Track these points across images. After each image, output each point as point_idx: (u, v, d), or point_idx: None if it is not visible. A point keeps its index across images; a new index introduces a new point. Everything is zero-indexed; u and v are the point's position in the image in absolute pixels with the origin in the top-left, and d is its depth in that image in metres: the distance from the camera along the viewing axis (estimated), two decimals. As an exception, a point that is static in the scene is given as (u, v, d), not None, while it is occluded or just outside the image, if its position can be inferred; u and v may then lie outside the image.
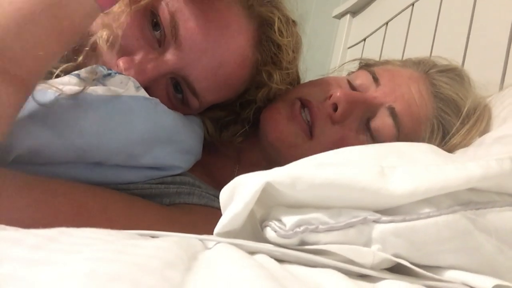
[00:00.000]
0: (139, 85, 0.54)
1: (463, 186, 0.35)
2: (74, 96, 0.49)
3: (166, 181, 0.58)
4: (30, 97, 0.48)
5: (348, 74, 0.73)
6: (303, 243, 0.35)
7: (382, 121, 0.64)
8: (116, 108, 0.51)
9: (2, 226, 0.31)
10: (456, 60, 0.77)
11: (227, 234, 0.37)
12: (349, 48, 1.44)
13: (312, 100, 0.65)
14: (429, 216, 0.34)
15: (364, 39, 1.37)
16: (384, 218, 0.35)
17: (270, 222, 0.36)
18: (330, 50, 1.51)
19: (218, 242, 0.35)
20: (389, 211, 0.35)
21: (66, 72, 0.52)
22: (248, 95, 0.70)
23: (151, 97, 0.55)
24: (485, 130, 0.64)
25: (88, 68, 0.52)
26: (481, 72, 0.77)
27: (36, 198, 0.46)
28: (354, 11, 1.47)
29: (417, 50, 1.00)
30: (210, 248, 0.35)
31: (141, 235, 0.35)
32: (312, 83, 0.71)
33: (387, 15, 1.28)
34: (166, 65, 0.57)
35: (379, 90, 0.66)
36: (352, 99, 0.63)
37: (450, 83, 0.68)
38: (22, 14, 0.42)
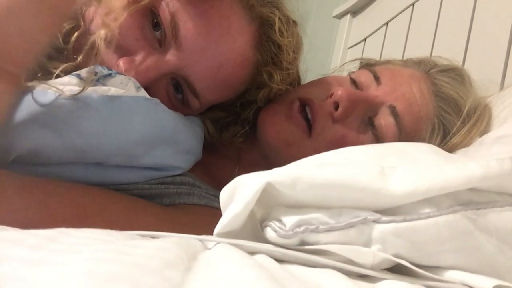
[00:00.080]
0: (139, 85, 0.54)
1: (464, 186, 0.35)
2: (74, 97, 0.49)
3: (166, 181, 0.58)
4: (30, 97, 0.48)
5: (349, 74, 0.73)
6: (303, 243, 0.35)
7: (384, 120, 0.64)
8: (116, 109, 0.51)
9: (2, 226, 0.31)
10: (457, 60, 0.77)
11: (227, 234, 0.37)
12: (349, 48, 1.44)
13: (313, 98, 0.65)
14: (429, 216, 0.34)
15: (365, 39, 1.37)
16: (385, 218, 0.35)
17: (270, 222, 0.36)
18: (330, 50, 1.51)
19: (218, 243, 0.35)
20: (389, 211, 0.35)
21: (66, 72, 0.52)
22: (249, 96, 0.70)
23: (151, 98, 0.55)
24: (486, 130, 0.64)
25: (88, 68, 0.52)
26: (482, 72, 0.77)
27: (36, 199, 0.46)
28: (354, 11, 1.47)
29: (418, 50, 1.00)
30: (210, 249, 0.35)
31: (141, 235, 0.35)
32: (312, 83, 0.72)
33: (387, 15, 1.28)
34: (166, 65, 0.57)
35: (380, 89, 0.66)
36: (353, 98, 0.63)
37: (451, 82, 0.68)
38: (5, 7, 0.42)
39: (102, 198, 0.51)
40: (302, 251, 0.34)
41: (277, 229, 0.35)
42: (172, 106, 0.60)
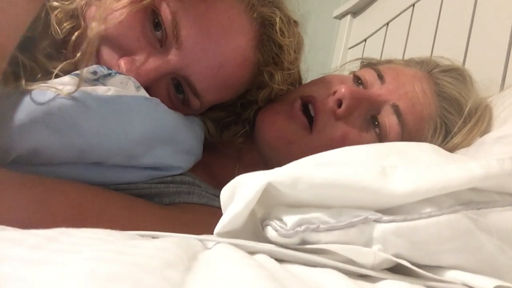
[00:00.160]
0: (139, 85, 0.54)
1: (464, 185, 0.35)
2: (74, 96, 0.49)
3: (166, 180, 0.58)
4: (29, 98, 0.48)
5: (352, 73, 0.73)
6: (304, 242, 0.35)
7: (387, 118, 0.64)
8: (116, 108, 0.51)
9: (2, 226, 0.31)
10: (457, 61, 0.77)
11: (227, 234, 0.37)
12: (349, 48, 1.44)
13: (316, 96, 0.65)
14: (430, 216, 0.34)
15: (365, 40, 1.37)
16: (385, 217, 0.34)
17: (271, 222, 0.36)
18: (330, 51, 1.51)
19: (218, 242, 0.35)
20: (390, 211, 0.35)
21: (66, 71, 0.52)
22: (250, 96, 0.70)
23: (151, 97, 0.55)
24: (486, 130, 0.64)
25: (88, 68, 0.52)
26: (482, 72, 0.77)
27: (36, 198, 0.46)
28: (354, 12, 1.47)
29: (418, 51, 1.00)
30: (210, 248, 0.35)
31: (142, 235, 0.35)
32: (314, 82, 0.72)
33: (387, 15, 1.28)
34: (167, 65, 0.57)
35: (384, 87, 0.66)
36: (356, 95, 0.63)
37: (453, 82, 0.68)
38: None
39: (102, 198, 0.51)
40: (303, 250, 0.34)
41: (278, 228, 0.35)
42: (173, 106, 0.60)
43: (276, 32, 0.63)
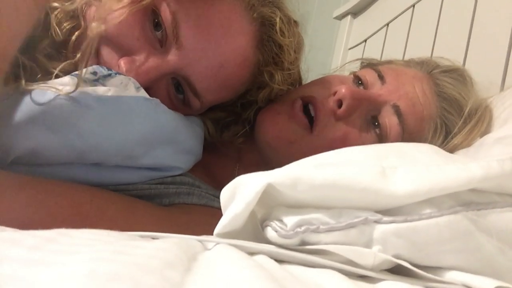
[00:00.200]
0: (139, 85, 0.54)
1: (464, 186, 0.35)
2: (74, 97, 0.49)
3: (166, 181, 0.58)
4: (29, 98, 0.48)
5: (352, 73, 0.73)
6: (304, 243, 0.35)
7: (388, 119, 0.64)
8: (116, 109, 0.51)
9: (2, 227, 0.31)
10: (457, 61, 0.77)
11: (227, 235, 0.37)
12: (350, 49, 1.44)
13: (316, 96, 0.65)
14: (430, 217, 0.34)
15: (365, 40, 1.37)
16: (385, 218, 0.34)
17: (271, 222, 0.36)
18: (330, 52, 1.51)
19: (218, 243, 0.35)
20: (390, 212, 0.35)
21: (66, 71, 0.52)
22: (250, 96, 0.70)
23: (151, 98, 0.55)
24: (486, 131, 0.64)
25: (88, 68, 0.52)
26: (482, 73, 0.77)
27: (35, 199, 0.46)
28: (355, 12, 1.47)
29: (418, 51, 1.00)
30: (209, 249, 0.35)
31: (141, 236, 0.35)
32: (314, 82, 0.72)
33: (388, 16, 1.28)
34: (167, 65, 0.57)
35: (384, 88, 0.66)
36: (357, 96, 0.63)
37: (453, 83, 0.68)
38: None
39: (101, 198, 0.51)
40: (303, 251, 0.34)
41: (278, 229, 0.35)
42: (173, 106, 0.60)
43: (276, 32, 0.63)
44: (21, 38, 0.46)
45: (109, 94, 0.51)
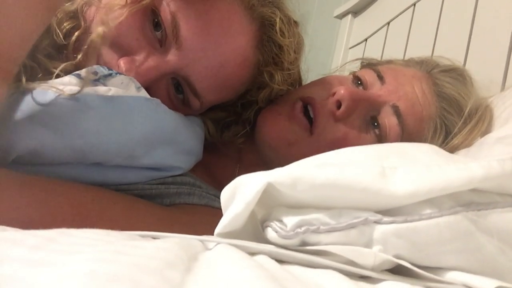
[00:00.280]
0: (140, 85, 0.54)
1: (465, 186, 0.35)
2: (74, 96, 0.49)
3: (167, 181, 0.58)
4: (30, 97, 0.48)
5: (351, 73, 0.73)
6: (304, 243, 0.35)
7: (387, 119, 0.64)
8: (116, 109, 0.51)
9: (2, 227, 0.31)
10: (458, 61, 0.77)
11: (228, 235, 0.37)
12: (350, 48, 1.44)
13: (315, 97, 0.65)
14: (430, 217, 0.34)
15: (366, 39, 1.37)
16: (386, 219, 0.34)
17: (271, 223, 0.36)
18: (331, 51, 1.51)
19: (219, 243, 0.35)
20: (390, 212, 0.35)
21: (66, 71, 0.52)
22: (250, 96, 0.70)
23: (152, 98, 0.55)
24: (487, 131, 0.64)
25: (89, 68, 0.52)
26: (483, 72, 0.77)
27: (36, 198, 0.46)
28: (355, 11, 1.47)
29: (419, 51, 1.00)
30: (210, 249, 0.35)
31: (142, 236, 0.35)
32: (313, 82, 0.72)
33: (388, 15, 1.28)
34: (167, 65, 0.57)
35: (384, 88, 0.65)
36: (356, 97, 0.63)
37: (453, 83, 0.68)
38: None
39: (102, 198, 0.51)
40: (303, 251, 0.34)
41: (278, 229, 0.35)
42: (173, 106, 0.60)
43: (276, 32, 0.63)
44: (31, 43, 0.47)
45: (110, 94, 0.51)
